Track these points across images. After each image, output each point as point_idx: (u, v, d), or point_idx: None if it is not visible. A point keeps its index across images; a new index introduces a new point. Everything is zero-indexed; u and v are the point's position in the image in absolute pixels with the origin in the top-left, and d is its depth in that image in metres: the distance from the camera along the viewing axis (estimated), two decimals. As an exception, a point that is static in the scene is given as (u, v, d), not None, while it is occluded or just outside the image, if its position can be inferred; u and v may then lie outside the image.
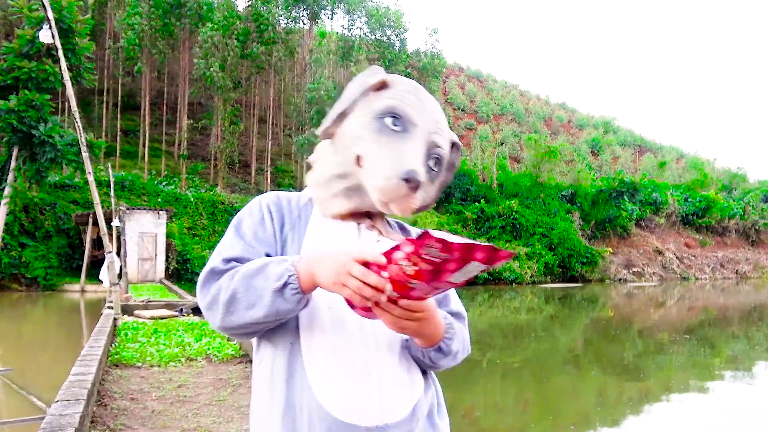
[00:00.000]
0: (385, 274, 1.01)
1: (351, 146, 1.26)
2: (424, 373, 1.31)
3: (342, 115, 1.29)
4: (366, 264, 1.02)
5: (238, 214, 1.31)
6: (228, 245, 1.24)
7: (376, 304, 1.05)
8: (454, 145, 1.35)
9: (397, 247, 0.99)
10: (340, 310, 1.17)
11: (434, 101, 1.32)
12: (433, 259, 0.95)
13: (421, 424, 1.22)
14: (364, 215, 1.32)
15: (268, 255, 1.24)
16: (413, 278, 0.99)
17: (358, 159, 1.24)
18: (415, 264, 0.97)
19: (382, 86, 1.29)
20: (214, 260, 1.22)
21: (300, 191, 1.40)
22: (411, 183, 1.16)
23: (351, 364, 1.17)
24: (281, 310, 1.12)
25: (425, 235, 0.94)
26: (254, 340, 1.29)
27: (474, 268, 0.98)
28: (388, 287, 1.02)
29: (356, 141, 1.25)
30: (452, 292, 1.37)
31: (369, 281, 1.01)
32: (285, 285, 1.10)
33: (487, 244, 0.94)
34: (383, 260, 1.01)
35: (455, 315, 1.34)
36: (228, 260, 1.20)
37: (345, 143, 1.28)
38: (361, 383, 1.16)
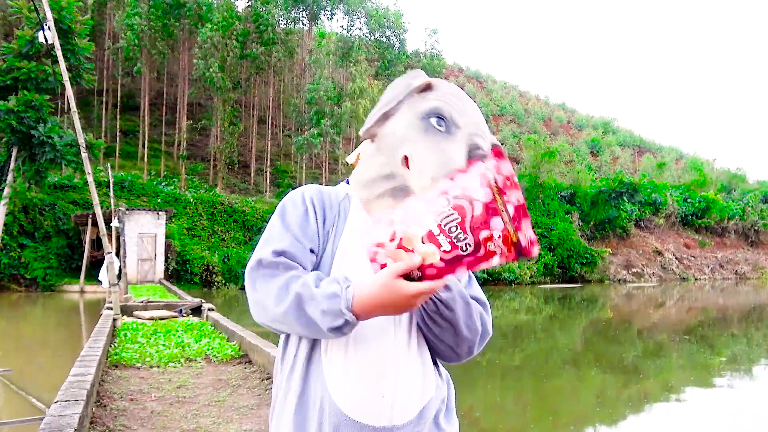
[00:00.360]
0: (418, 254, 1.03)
1: (397, 146, 1.27)
2: (438, 375, 1.31)
3: (385, 116, 1.30)
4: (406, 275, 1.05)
5: (282, 203, 1.31)
6: (276, 236, 1.24)
7: None
8: (494, 147, 1.34)
9: (490, 181, 1.03)
10: None
11: (475, 106, 1.34)
12: (512, 203, 1.01)
13: (427, 426, 1.23)
14: None
15: (312, 251, 1.25)
16: (507, 224, 1.02)
17: (405, 160, 1.25)
18: (505, 206, 1.01)
19: (426, 88, 1.30)
20: (263, 251, 1.22)
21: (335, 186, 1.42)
22: None
23: (369, 364, 1.18)
24: (330, 337, 1.15)
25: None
26: None
27: (496, 263, 1.01)
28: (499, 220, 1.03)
29: (403, 141, 1.26)
30: (474, 281, 1.38)
31: (424, 290, 1.05)
32: (344, 324, 1.11)
33: (527, 239, 1.01)
34: (417, 260, 1.04)
35: (476, 301, 1.33)
36: (278, 253, 1.20)
37: (390, 143, 1.28)
38: (378, 385, 1.18)
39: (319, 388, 1.19)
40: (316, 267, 1.26)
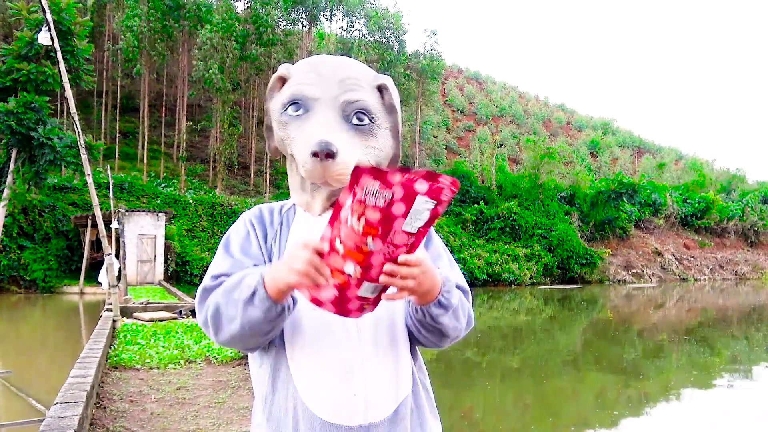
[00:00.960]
0: (339, 246, 0.97)
1: (285, 150, 1.31)
2: (416, 371, 1.30)
3: (269, 128, 1.34)
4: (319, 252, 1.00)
5: (226, 233, 1.33)
6: (218, 263, 1.25)
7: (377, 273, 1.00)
8: (381, 88, 1.32)
9: (338, 207, 0.96)
10: (326, 314, 1.18)
11: (339, 63, 1.30)
12: (376, 203, 0.91)
13: (405, 423, 1.22)
14: None
15: (255, 266, 1.24)
16: (366, 234, 0.94)
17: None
18: (361, 214, 0.92)
19: (282, 82, 1.31)
20: (206, 280, 1.23)
21: None
22: (319, 154, 1.16)
23: (336, 364, 1.18)
24: (253, 319, 1.10)
25: (356, 171, 0.91)
26: None
27: (423, 207, 0.94)
28: (339, 247, 0.97)
29: (283, 144, 1.29)
30: (456, 269, 1.36)
31: (315, 262, 0.99)
32: (253, 294, 1.09)
33: (419, 171, 0.91)
34: (326, 233, 0.99)
35: (458, 289, 1.31)
36: (216, 276, 1.21)
37: (282, 149, 1.33)
38: (347, 383, 1.17)
39: (290, 395, 1.18)
40: None
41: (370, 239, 0.94)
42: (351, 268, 0.97)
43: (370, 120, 1.26)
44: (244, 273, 1.15)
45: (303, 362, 1.19)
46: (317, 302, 1.04)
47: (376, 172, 0.91)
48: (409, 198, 0.92)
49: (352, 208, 0.93)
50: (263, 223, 1.32)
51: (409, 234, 0.96)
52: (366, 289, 1.02)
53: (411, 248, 1.00)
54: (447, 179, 0.93)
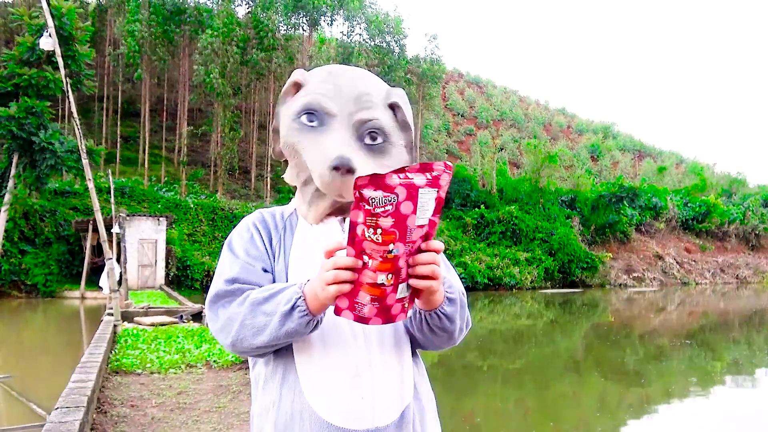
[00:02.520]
0: (368, 261, 1.00)
1: (291, 155, 1.32)
2: (418, 375, 1.30)
3: (276, 131, 1.35)
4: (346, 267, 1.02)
5: (228, 237, 1.34)
6: (226, 267, 1.26)
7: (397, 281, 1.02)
8: (393, 106, 1.34)
9: (353, 225, 0.99)
10: (331, 315, 1.17)
11: (355, 77, 1.32)
12: (386, 211, 0.95)
13: (410, 427, 1.22)
14: (345, 209, 1.34)
15: (264, 270, 1.27)
16: (386, 242, 0.97)
17: (303, 165, 1.29)
18: (376, 226, 0.96)
19: (297, 88, 1.31)
20: (217, 283, 1.24)
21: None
22: (341, 169, 1.18)
23: (343, 368, 1.18)
24: (290, 332, 1.13)
25: (358, 186, 0.94)
26: None
27: (428, 198, 0.97)
28: (367, 261, 1.00)
29: (291, 150, 1.30)
30: (452, 271, 1.37)
31: (341, 264, 1.01)
32: (293, 307, 1.11)
33: (413, 166, 0.96)
34: (357, 263, 1.00)
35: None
36: (230, 281, 1.22)
37: (288, 153, 1.33)
38: (354, 387, 1.17)
39: (297, 399, 1.18)
40: (273, 277, 1.28)
41: (392, 245, 0.98)
42: (383, 277, 1.01)
43: (383, 139, 1.29)
44: (274, 287, 1.18)
45: (310, 367, 1.19)
46: (363, 320, 1.07)
47: (375, 181, 0.94)
48: (413, 194, 0.95)
49: (366, 223, 0.97)
50: (267, 226, 1.34)
51: (421, 226, 1.00)
52: (401, 290, 1.05)
53: (427, 237, 1.04)
54: (440, 165, 0.97)
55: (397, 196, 0.95)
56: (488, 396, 8.97)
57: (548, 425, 7.38)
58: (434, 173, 0.97)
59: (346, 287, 1.02)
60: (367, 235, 0.97)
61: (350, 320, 1.07)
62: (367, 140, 1.27)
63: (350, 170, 1.19)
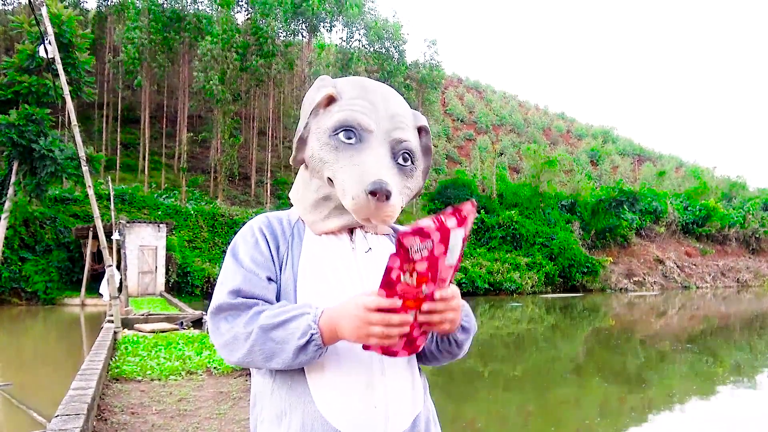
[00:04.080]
0: (398, 301, 1.03)
1: (320, 170, 1.26)
2: (424, 385, 1.32)
3: (302, 141, 1.30)
4: (380, 309, 1.04)
5: (233, 240, 1.31)
6: (229, 276, 1.23)
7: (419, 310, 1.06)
8: (421, 129, 1.33)
9: (389, 270, 1.00)
10: None
11: (387, 95, 1.29)
12: (422, 256, 0.98)
13: None
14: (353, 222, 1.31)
15: (269, 279, 1.23)
16: (419, 284, 1.01)
17: (329, 181, 1.25)
18: (413, 270, 0.99)
19: (330, 100, 1.27)
20: (220, 295, 1.21)
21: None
22: (378, 195, 1.15)
23: (357, 377, 1.17)
24: (303, 362, 1.13)
25: (401, 237, 0.97)
26: None
27: (457, 240, 1.01)
28: (410, 316, 1.05)
29: (322, 163, 1.25)
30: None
31: (392, 322, 1.03)
32: (308, 342, 1.11)
33: (446, 211, 0.99)
34: (396, 303, 1.03)
35: None
36: (234, 293, 1.20)
37: (315, 167, 1.28)
38: (367, 397, 1.16)
39: (308, 409, 1.16)
40: (278, 293, 1.25)
41: (423, 286, 1.03)
42: (412, 314, 1.05)
43: (412, 161, 1.28)
44: (285, 312, 1.15)
45: (322, 376, 1.17)
46: (391, 353, 1.10)
47: (416, 231, 0.98)
48: (446, 237, 0.99)
49: (403, 269, 1.00)
50: (274, 232, 1.29)
51: (450, 266, 1.04)
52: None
53: (451, 277, 1.08)
54: (467, 206, 1.02)
55: (433, 241, 0.98)
56: (489, 401, 8.95)
57: (549, 430, 7.36)
58: (463, 215, 1.01)
59: (386, 342, 1.06)
60: (402, 279, 1.01)
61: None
62: (400, 161, 1.25)
63: (387, 196, 1.16)
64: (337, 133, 1.22)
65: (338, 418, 1.15)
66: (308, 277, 1.24)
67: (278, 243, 1.28)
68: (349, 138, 1.21)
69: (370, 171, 1.17)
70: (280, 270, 1.26)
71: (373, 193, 1.15)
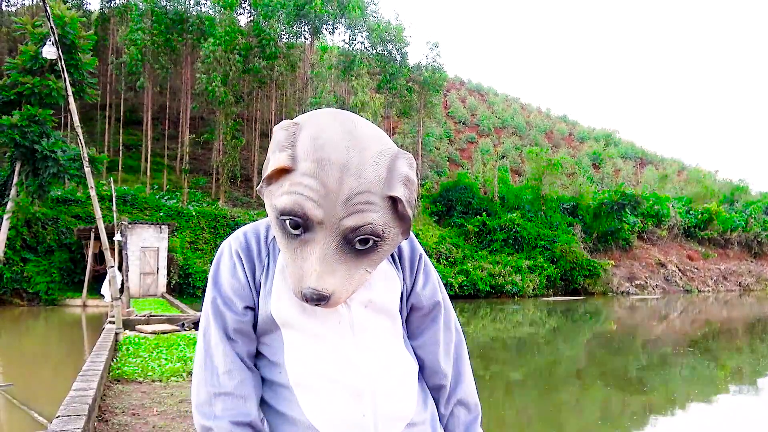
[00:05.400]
0: None
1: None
2: (422, 393, 1.31)
3: (263, 185, 1.17)
4: None
5: (213, 263, 1.27)
6: (214, 354, 1.20)
7: None
8: (395, 199, 1.11)
9: None
10: (327, 339, 1.17)
11: (349, 164, 1.07)
12: None
13: None
14: None
15: (246, 308, 1.22)
16: None
17: None
18: None
19: (284, 171, 1.10)
20: (201, 389, 1.19)
21: None
22: (310, 302, 1.11)
23: (342, 385, 1.16)
24: None
25: None
26: None
27: None
28: None
29: (276, 237, 1.17)
30: (442, 287, 1.38)
31: None
32: None
33: None
34: None
35: (438, 304, 1.35)
36: (216, 395, 1.17)
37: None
38: (356, 404, 1.15)
39: (298, 420, 1.15)
40: (256, 310, 1.22)
41: None
42: None
43: (374, 241, 1.11)
44: None
45: (309, 385, 1.17)
46: None
47: None
48: None
49: None
50: (250, 254, 1.25)
51: None
52: None
53: None
54: None
55: None
56: (491, 404, 8.93)
57: (551, 434, 7.34)
58: None
59: None
60: None
61: (353, 341, 1.12)
62: (357, 245, 1.10)
63: (319, 303, 1.11)
64: (285, 220, 1.10)
65: (326, 427, 1.14)
66: (278, 293, 1.21)
67: (254, 267, 1.24)
68: (296, 227, 1.09)
69: (308, 274, 1.09)
70: (257, 295, 1.23)
71: (307, 299, 1.11)
